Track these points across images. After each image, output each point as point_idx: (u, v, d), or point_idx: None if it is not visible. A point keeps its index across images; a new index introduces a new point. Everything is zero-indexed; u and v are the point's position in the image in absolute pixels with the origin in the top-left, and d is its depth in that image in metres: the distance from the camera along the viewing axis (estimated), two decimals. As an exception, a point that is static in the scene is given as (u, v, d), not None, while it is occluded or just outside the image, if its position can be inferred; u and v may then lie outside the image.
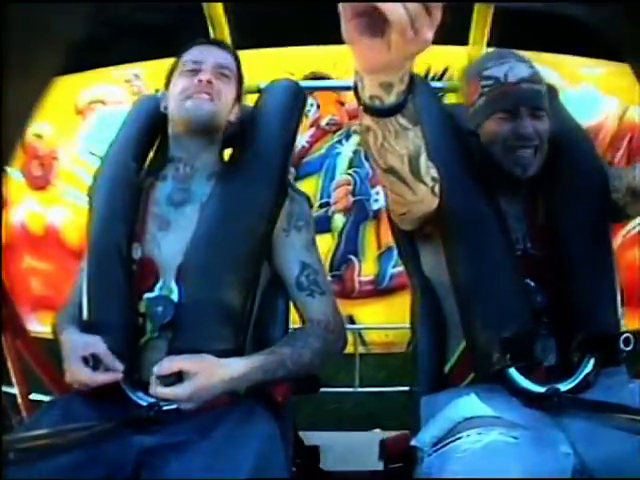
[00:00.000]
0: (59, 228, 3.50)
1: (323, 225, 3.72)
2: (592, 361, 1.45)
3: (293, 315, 1.67)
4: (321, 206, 3.73)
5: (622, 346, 1.45)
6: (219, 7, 1.96)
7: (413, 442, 1.42)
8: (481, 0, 1.70)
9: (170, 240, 1.53)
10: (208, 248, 1.49)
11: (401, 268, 3.32)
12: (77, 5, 0.53)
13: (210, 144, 1.61)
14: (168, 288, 1.49)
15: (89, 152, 3.34)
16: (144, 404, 1.41)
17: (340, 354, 1.59)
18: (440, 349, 1.59)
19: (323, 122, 3.77)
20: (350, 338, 3.38)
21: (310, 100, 3.69)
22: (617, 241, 2.85)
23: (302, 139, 3.71)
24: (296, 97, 1.77)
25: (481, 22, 1.92)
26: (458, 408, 1.40)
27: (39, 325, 3.62)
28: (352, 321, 3.60)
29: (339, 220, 3.76)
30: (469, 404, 1.39)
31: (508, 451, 1.28)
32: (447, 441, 1.34)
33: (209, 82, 1.56)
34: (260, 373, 1.42)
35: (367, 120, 1.12)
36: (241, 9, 2.07)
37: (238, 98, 1.67)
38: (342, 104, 3.75)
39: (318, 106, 3.75)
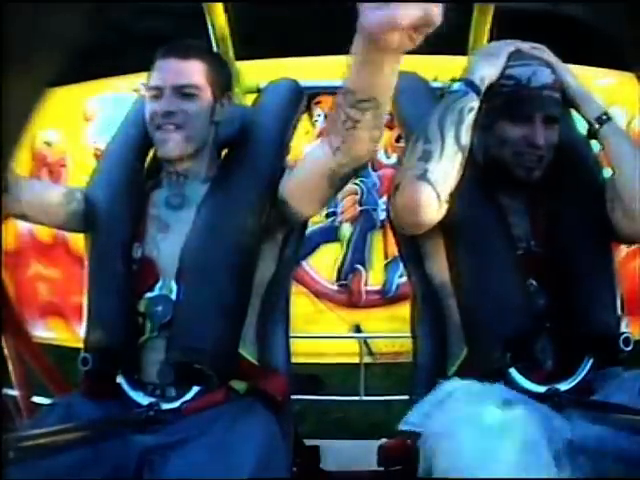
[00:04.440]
0: (67, 235, 3.51)
1: (330, 234, 3.71)
2: (592, 361, 1.45)
3: (293, 315, 1.70)
4: (328, 216, 3.72)
5: (622, 346, 1.45)
6: (221, 15, 1.96)
7: (401, 426, 1.40)
8: (481, 0, 1.71)
9: (169, 242, 1.54)
10: (203, 248, 1.50)
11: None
12: (77, 5, 0.53)
13: (197, 156, 1.58)
14: (168, 288, 1.50)
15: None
16: (144, 404, 1.42)
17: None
18: (441, 356, 1.59)
19: (331, 132, 3.76)
20: (356, 347, 3.41)
21: (318, 110, 3.69)
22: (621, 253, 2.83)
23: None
24: (294, 96, 1.77)
25: (481, 22, 1.92)
26: (448, 384, 1.41)
27: (47, 331, 3.64)
28: (359, 330, 3.60)
29: (346, 230, 3.76)
30: (460, 382, 1.40)
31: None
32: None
33: (169, 113, 1.51)
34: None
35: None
36: (246, 18, 2.07)
37: (216, 98, 1.58)
38: (350, 114, 3.73)
39: (326, 116, 3.75)
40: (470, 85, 1.47)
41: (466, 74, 1.50)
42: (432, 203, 1.42)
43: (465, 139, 1.44)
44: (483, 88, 1.48)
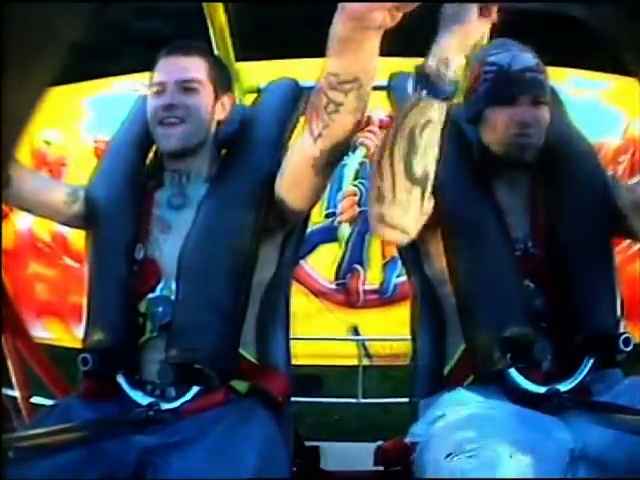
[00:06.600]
0: (66, 234, 3.51)
1: (329, 234, 3.74)
2: (591, 362, 1.45)
3: (294, 316, 1.70)
4: (327, 216, 3.75)
5: (622, 346, 1.45)
6: (221, 15, 1.96)
7: (408, 439, 1.42)
8: (481, 0, 1.71)
9: (171, 243, 1.54)
10: (200, 248, 1.51)
11: (405, 278, 3.33)
12: (77, 5, 0.53)
13: (199, 153, 1.59)
14: (169, 289, 1.51)
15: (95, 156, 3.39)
16: (144, 404, 1.42)
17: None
18: (440, 357, 1.58)
19: (330, 134, 3.76)
20: (354, 349, 3.41)
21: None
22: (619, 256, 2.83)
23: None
24: (294, 95, 1.76)
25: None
26: (450, 398, 1.41)
27: (44, 331, 3.63)
28: (356, 332, 3.61)
29: (345, 230, 3.78)
30: (462, 395, 1.41)
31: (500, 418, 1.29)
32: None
33: (172, 106, 1.53)
34: None
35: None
36: (246, 18, 2.07)
37: (217, 97, 1.60)
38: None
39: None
40: (426, 87, 1.22)
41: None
42: (402, 238, 1.36)
43: (420, 169, 1.26)
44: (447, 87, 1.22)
